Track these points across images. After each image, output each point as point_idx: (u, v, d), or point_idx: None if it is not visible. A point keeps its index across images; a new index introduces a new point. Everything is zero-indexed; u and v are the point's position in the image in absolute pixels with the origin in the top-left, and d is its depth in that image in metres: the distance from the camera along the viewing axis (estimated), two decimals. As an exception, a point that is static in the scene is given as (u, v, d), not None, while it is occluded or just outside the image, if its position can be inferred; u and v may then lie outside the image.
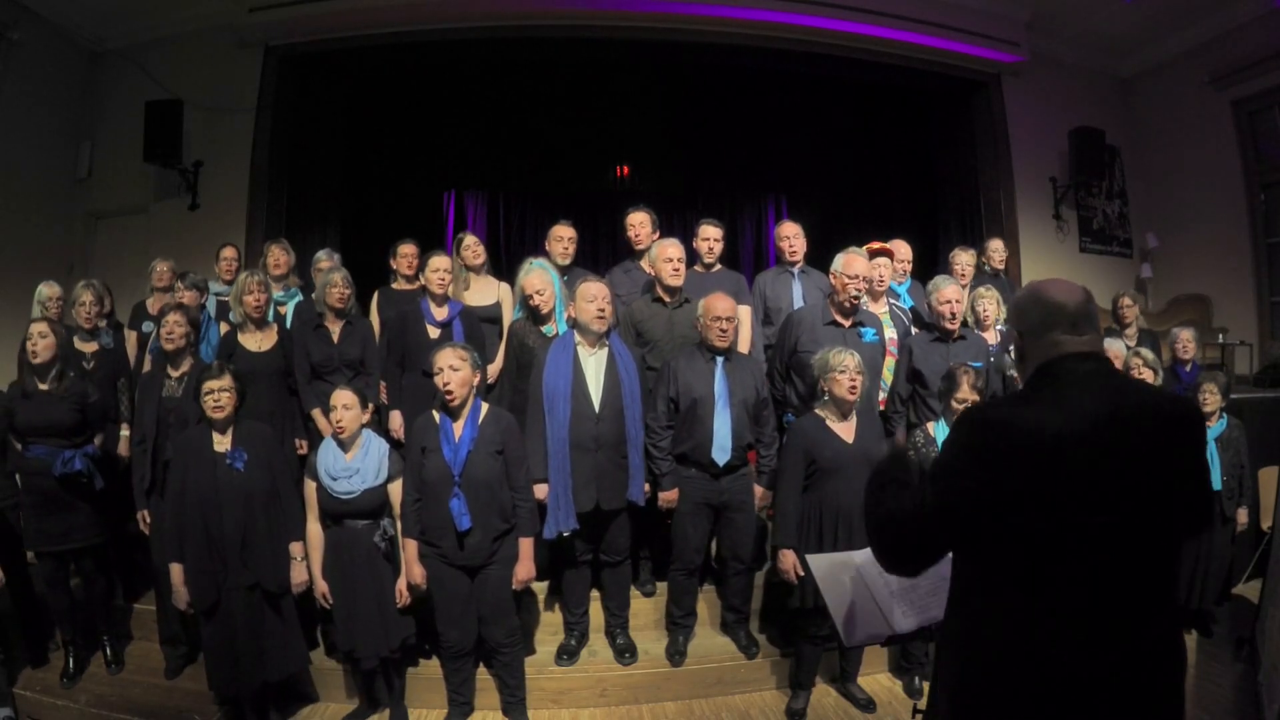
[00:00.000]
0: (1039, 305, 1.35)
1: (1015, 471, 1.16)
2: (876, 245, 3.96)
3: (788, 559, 2.93)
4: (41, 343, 3.10)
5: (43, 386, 3.13)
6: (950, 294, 3.44)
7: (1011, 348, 1.48)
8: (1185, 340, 4.30)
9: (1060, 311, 1.32)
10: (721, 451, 3.10)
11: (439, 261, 3.59)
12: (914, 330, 3.84)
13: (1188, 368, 4.27)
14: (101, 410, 3.27)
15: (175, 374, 3.21)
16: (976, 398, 3.03)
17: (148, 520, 3.17)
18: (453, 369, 2.74)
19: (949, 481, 1.22)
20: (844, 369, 2.89)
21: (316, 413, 3.46)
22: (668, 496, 3.19)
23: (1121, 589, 1.16)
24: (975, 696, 1.22)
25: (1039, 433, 1.16)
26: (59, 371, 3.16)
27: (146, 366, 3.68)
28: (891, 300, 3.94)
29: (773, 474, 3.26)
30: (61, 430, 3.12)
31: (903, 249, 4.26)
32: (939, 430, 3.12)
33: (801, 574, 2.90)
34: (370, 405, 3.48)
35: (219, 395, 2.74)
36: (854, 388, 2.90)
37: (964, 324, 3.72)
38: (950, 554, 1.31)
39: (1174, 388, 4.09)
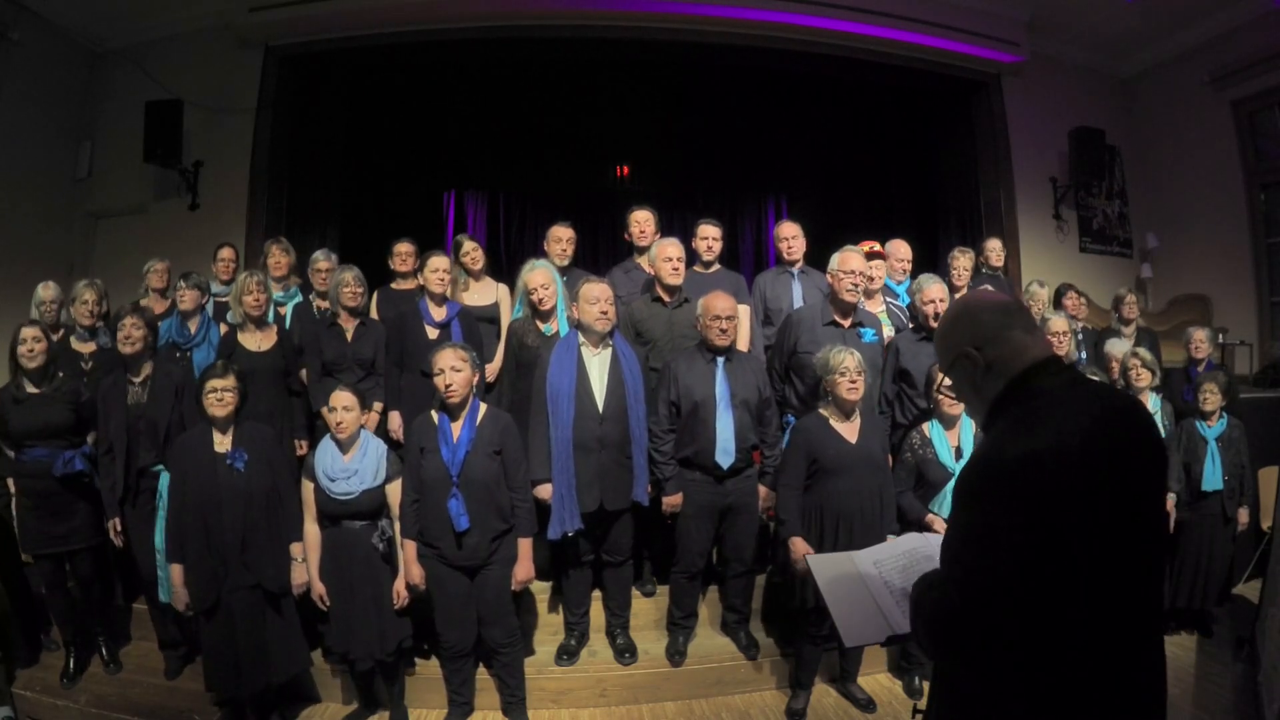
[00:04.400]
0: (989, 309, 1.28)
1: (1047, 504, 1.08)
2: (867, 246, 3.96)
3: (798, 546, 2.87)
4: (37, 347, 3.10)
5: (34, 390, 3.12)
6: (934, 293, 3.43)
7: (950, 379, 1.34)
8: (1199, 340, 4.24)
9: (1012, 311, 1.27)
10: (725, 454, 3.09)
11: (437, 262, 3.59)
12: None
13: (1200, 367, 4.19)
14: (94, 408, 3.26)
15: (138, 379, 3.17)
16: None
17: (119, 529, 3.12)
18: (454, 370, 2.74)
19: (992, 544, 1.10)
20: (844, 370, 2.89)
21: (326, 410, 3.45)
22: (672, 501, 3.18)
23: (1128, 604, 1.14)
24: (973, 706, 1.21)
25: (1059, 458, 1.09)
26: (50, 373, 3.16)
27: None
28: (889, 299, 3.94)
29: (776, 473, 3.26)
30: (59, 431, 3.12)
31: (902, 248, 4.26)
32: (934, 430, 3.12)
33: (811, 552, 2.86)
34: (375, 405, 3.49)
35: (223, 394, 2.75)
36: (854, 388, 2.90)
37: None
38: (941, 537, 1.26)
39: (1184, 389, 4.07)
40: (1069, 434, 1.11)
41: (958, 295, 4.07)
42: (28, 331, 3.12)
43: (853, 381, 2.89)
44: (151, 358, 3.24)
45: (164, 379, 3.17)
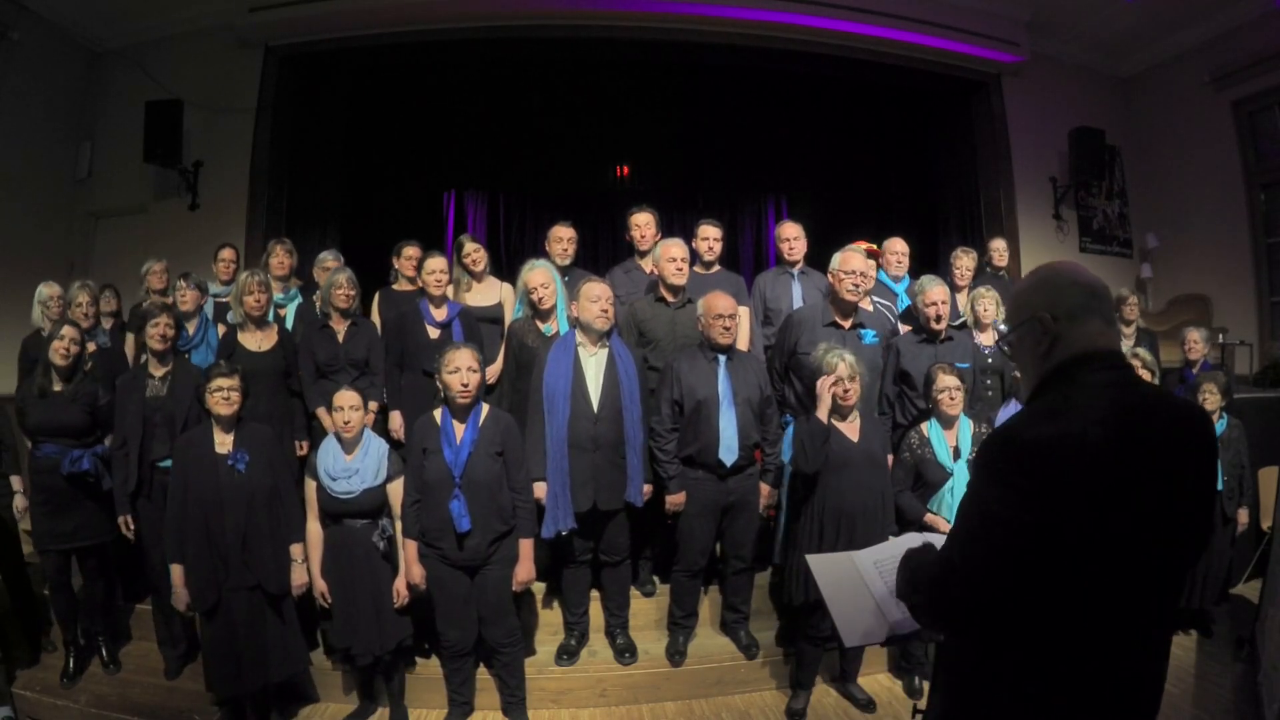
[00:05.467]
0: (1078, 287, 1.23)
1: (1061, 493, 1.07)
2: (864, 245, 3.96)
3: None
4: (73, 348, 3.17)
5: (57, 388, 3.16)
6: (936, 295, 3.42)
7: (1013, 336, 1.30)
8: (1194, 340, 4.22)
9: (1100, 296, 1.23)
10: (729, 452, 3.10)
11: (435, 263, 3.59)
12: (901, 329, 3.84)
13: (1196, 368, 4.18)
14: (111, 412, 3.28)
15: (159, 373, 3.21)
16: (959, 383, 3.05)
17: (131, 525, 3.16)
18: (471, 370, 2.75)
19: (1001, 522, 1.10)
20: (837, 380, 2.89)
21: (321, 411, 3.46)
22: (675, 500, 3.19)
23: (1142, 603, 1.14)
24: (975, 704, 1.22)
25: (1079, 448, 1.08)
26: (76, 374, 3.20)
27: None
28: (876, 299, 3.92)
29: (778, 472, 3.26)
30: (72, 431, 3.15)
31: (899, 244, 4.24)
32: (933, 429, 3.12)
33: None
34: (374, 404, 3.50)
35: (229, 393, 2.77)
36: (847, 394, 2.90)
37: (961, 325, 3.72)
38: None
39: (1176, 389, 4.07)
40: (1091, 426, 1.10)
41: (964, 291, 4.07)
42: (68, 330, 3.19)
43: (845, 388, 2.89)
44: (174, 355, 3.28)
45: (185, 375, 3.20)
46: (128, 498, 3.14)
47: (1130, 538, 1.10)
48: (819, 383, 2.92)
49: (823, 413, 2.90)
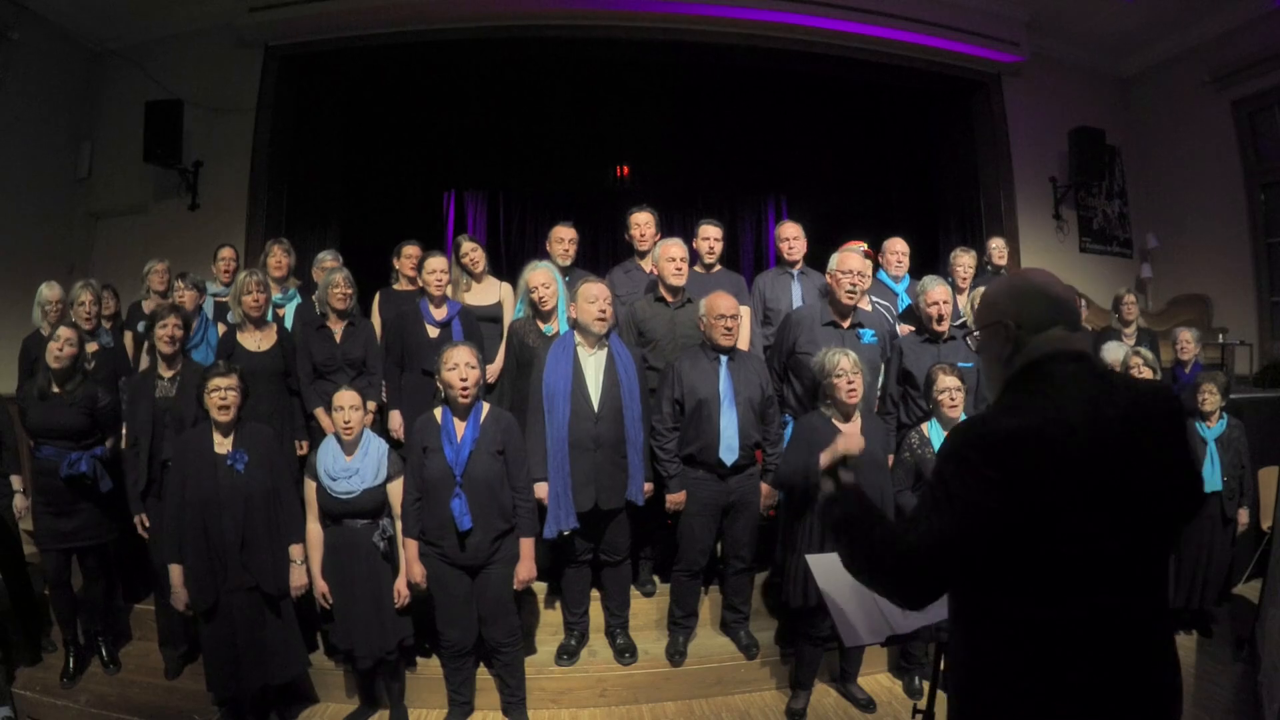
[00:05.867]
0: (1043, 298, 1.29)
1: (1032, 483, 1.11)
2: (858, 245, 3.95)
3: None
4: (68, 349, 3.16)
5: (56, 390, 3.16)
6: (938, 295, 3.43)
7: (981, 335, 1.38)
8: (1185, 340, 4.26)
9: (1065, 308, 1.29)
10: (729, 452, 3.10)
11: (435, 263, 3.59)
12: (900, 329, 3.84)
13: (1188, 369, 4.23)
14: (112, 413, 3.28)
15: (168, 374, 3.22)
16: (959, 384, 3.05)
17: (146, 524, 3.18)
18: (470, 366, 2.75)
19: (964, 507, 1.14)
20: (840, 373, 2.90)
21: (319, 411, 3.46)
22: (675, 499, 3.19)
23: (1127, 589, 1.15)
24: (983, 704, 1.22)
25: (1049, 439, 1.12)
26: (74, 376, 3.20)
27: (145, 365, 3.68)
28: (874, 298, 3.91)
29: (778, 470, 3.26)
30: (70, 433, 3.15)
31: (899, 243, 4.25)
32: (933, 430, 3.12)
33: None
34: (372, 404, 3.50)
35: (226, 394, 2.75)
36: (852, 389, 2.90)
37: (962, 325, 3.72)
38: None
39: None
40: (1055, 415, 1.14)
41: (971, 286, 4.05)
42: (64, 331, 3.18)
43: (850, 382, 2.90)
44: (183, 356, 3.28)
45: (193, 376, 3.19)
46: (139, 497, 3.15)
47: (1103, 521, 1.13)
48: (822, 457, 2.87)
49: (821, 462, 2.86)
